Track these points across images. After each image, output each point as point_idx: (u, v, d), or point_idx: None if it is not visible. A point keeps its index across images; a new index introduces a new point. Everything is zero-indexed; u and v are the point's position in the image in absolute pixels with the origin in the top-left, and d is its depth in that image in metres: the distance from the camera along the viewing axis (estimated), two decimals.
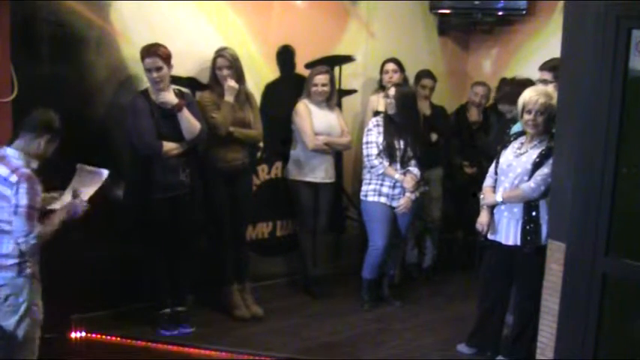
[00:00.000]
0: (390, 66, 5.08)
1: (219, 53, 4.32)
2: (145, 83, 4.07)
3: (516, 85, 4.25)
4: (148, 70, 3.91)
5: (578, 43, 3.10)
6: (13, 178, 2.85)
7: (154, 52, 3.88)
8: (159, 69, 3.89)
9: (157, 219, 4.05)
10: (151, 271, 4.18)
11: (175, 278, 4.22)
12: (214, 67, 4.33)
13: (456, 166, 5.46)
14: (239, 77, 4.33)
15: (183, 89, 4.22)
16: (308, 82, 4.83)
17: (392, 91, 4.61)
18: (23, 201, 2.84)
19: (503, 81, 5.09)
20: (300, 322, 4.51)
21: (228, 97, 4.27)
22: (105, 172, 3.23)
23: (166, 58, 3.91)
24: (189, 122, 3.99)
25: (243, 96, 4.39)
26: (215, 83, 4.34)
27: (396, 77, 5.02)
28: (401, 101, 4.56)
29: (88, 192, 3.15)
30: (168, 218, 4.06)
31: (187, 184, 4.08)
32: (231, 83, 4.26)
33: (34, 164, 2.95)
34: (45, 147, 2.97)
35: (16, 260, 2.91)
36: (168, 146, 3.96)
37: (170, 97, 3.95)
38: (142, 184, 4.04)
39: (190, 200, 4.13)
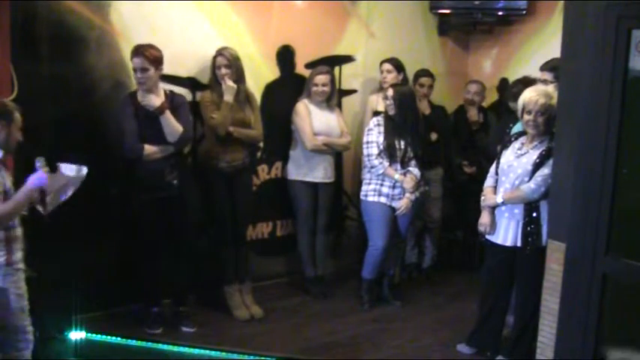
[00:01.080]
0: (385, 66, 5.04)
1: (219, 52, 4.31)
2: None
3: (528, 84, 4.20)
4: (134, 70, 3.89)
5: (578, 43, 3.10)
6: None
7: (142, 52, 3.84)
8: (144, 70, 3.85)
9: (146, 220, 4.04)
10: (143, 271, 4.17)
11: (171, 279, 4.21)
12: (214, 66, 4.32)
13: (455, 166, 5.45)
14: (239, 77, 4.32)
15: (177, 90, 4.18)
16: (308, 82, 4.82)
17: (390, 91, 4.60)
18: None
19: (505, 80, 5.07)
20: (300, 322, 4.51)
21: (227, 97, 4.25)
22: (84, 170, 3.17)
23: (154, 60, 3.87)
24: (171, 125, 3.93)
25: (243, 96, 4.38)
26: (215, 83, 4.33)
27: (390, 78, 4.97)
28: (399, 101, 4.55)
29: (65, 190, 3.13)
30: (158, 219, 4.04)
31: (175, 185, 4.04)
32: (229, 83, 4.25)
33: None
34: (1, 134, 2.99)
35: None
36: (150, 150, 3.93)
37: (153, 99, 3.90)
38: (131, 185, 4.04)
39: (180, 202, 4.09)
